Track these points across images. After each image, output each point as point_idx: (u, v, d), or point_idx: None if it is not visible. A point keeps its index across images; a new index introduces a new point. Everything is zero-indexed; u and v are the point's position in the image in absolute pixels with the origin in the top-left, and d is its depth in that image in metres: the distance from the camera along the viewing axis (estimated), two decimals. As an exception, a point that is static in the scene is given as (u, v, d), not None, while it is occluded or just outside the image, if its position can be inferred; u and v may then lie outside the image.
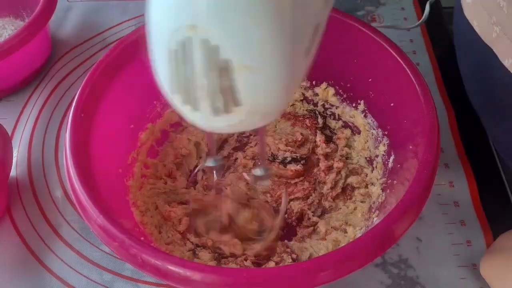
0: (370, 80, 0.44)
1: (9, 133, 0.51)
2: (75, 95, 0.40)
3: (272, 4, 0.24)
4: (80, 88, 0.40)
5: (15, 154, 0.49)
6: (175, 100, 0.27)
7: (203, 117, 0.27)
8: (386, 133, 0.43)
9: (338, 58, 0.45)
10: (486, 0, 0.38)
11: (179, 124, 0.48)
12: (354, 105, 0.47)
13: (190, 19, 0.24)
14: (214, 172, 0.40)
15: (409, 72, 0.39)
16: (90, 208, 0.33)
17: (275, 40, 0.25)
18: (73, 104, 0.39)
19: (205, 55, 0.24)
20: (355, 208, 0.43)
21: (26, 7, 0.59)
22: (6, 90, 0.55)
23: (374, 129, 0.45)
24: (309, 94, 0.50)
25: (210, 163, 0.38)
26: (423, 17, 0.49)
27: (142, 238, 0.34)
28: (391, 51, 0.41)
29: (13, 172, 0.48)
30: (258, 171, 0.38)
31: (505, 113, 0.42)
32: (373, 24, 0.57)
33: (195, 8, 0.24)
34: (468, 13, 0.40)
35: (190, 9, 0.24)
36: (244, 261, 0.40)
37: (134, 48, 0.42)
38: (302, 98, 0.50)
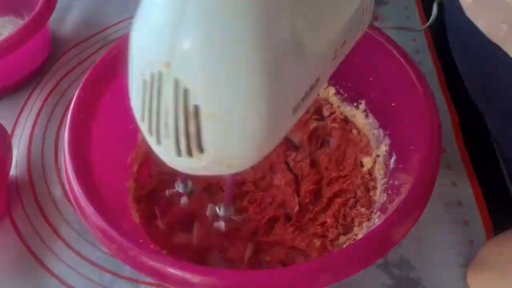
0: (371, 79, 0.44)
1: (9, 132, 0.51)
2: (74, 95, 0.39)
3: (257, 56, 0.22)
4: (78, 89, 0.39)
5: (15, 153, 0.49)
6: (142, 128, 0.26)
7: (166, 153, 0.26)
8: (387, 133, 0.43)
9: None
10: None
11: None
12: (355, 104, 0.46)
13: (165, 56, 0.22)
14: (185, 198, 0.39)
15: (410, 71, 0.39)
16: (89, 211, 0.33)
17: (252, 96, 0.23)
18: (71, 105, 0.39)
19: (174, 95, 0.23)
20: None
21: (26, 5, 0.58)
22: (6, 89, 0.55)
23: (375, 129, 0.45)
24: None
25: (180, 188, 0.38)
26: (432, 17, 0.49)
27: (141, 240, 0.34)
28: (393, 50, 0.40)
29: (12, 172, 0.48)
30: (221, 211, 0.37)
31: None
32: (378, 24, 0.57)
33: (173, 46, 0.22)
34: (470, 13, 0.40)
35: (168, 46, 0.22)
36: None
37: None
38: None
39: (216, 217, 0.38)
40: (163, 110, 0.24)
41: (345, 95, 0.47)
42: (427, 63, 0.55)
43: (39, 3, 0.52)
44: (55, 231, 0.44)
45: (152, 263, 0.30)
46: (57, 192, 0.47)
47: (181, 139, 0.24)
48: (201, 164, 0.25)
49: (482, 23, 0.39)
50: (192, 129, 0.24)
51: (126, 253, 0.31)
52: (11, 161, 0.46)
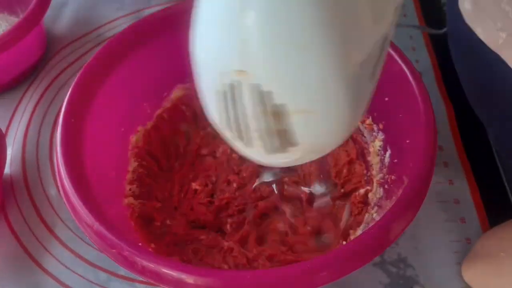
0: None
1: (3, 131, 0.51)
2: (65, 98, 0.39)
3: (335, 39, 0.21)
4: (69, 91, 0.39)
5: (9, 151, 0.49)
6: (228, 135, 0.26)
7: (257, 154, 0.26)
8: (381, 127, 0.43)
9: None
10: (488, 7, 0.38)
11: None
12: None
13: (237, 64, 0.22)
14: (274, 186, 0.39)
15: (403, 66, 0.39)
16: (85, 215, 0.32)
17: (337, 81, 0.23)
18: (63, 108, 0.38)
19: (255, 100, 0.23)
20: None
21: (20, 3, 0.58)
22: (0, 87, 0.54)
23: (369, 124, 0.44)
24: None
25: (268, 177, 0.38)
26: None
27: (140, 244, 0.34)
28: None
29: (7, 170, 0.47)
30: (317, 188, 0.37)
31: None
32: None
33: (243, 52, 0.22)
34: (469, 20, 0.40)
35: (238, 53, 0.22)
36: None
37: (121, 50, 0.42)
38: None
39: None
40: (247, 116, 0.24)
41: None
42: (424, 61, 0.55)
43: (34, 1, 0.52)
44: (50, 230, 0.44)
45: (151, 266, 0.30)
46: (52, 190, 0.47)
47: (271, 138, 0.24)
48: (296, 156, 0.26)
49: (480, 31, 0.39)
50: (282, 126, 0.24)
51: (125, 257, 0.30)
52: (5, 159, 0.46)
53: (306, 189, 0.40)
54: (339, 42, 0.22)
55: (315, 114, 0.24)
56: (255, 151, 0.26)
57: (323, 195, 0.37)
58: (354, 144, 0.45)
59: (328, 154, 0.38)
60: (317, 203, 0.38)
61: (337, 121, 0.25)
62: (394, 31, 0.27)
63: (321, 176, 0.37)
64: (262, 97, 0.23)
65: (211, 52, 0.23)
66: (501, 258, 0.38)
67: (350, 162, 0.44)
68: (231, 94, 0.23)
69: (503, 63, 0.37)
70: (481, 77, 0.43)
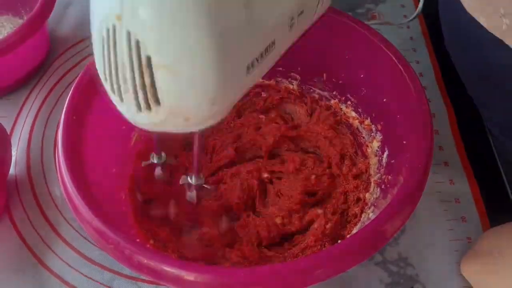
0: (362, 76, 0.44)
1: (8, 132, 0.51)
2: (67, 97, 0.40)
3: (203, 6, 0.23)
4: (72, 90, 0.39)
5: (14, 152, 0.49)
6: (106, 87, 0.27)
7: (128, 110, 0.27)
8: (379, 128, 0.43)
9: (329, 55, 0.45)
10: None
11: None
12: (346, 101, 0.46)
13: (117, 8, 0.23)
14: (158, 169, 0.40)
15: (400, 67, 0.39)
16: (84, 212, 0.33)
17: (201, 49, 0.24)
18: (65, 105, 0.39)
19: (127, 48, 0.24)
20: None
21: (25, 4, 0.58)
22: (5, 88, 0.55)
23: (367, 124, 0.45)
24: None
25: (154, 160, 0.39)
26: (416, 12, 0.49)
27: (137, 240, 0.34)
28: (382, 46, 0.41)
29: (12, 171, 0.48)
30: (192, 179, 0.37)
31: None
32: (372, 21, 0.57)
33: None
34: (471, 9, 0.40)
35: None
36: None
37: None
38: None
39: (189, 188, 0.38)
40: (120, 64, 0.25)
41: (334, 92, 0.47)
42: (425, 61, 0.55)
43: (38, 2, 0.52)
44: (55, 229, 0.45)
45: (149, 262, 0.30)
46: (57, 190, 0.47)
47: (139, 92, 0.25)
48: (160, 117, 0.26)
49: (483, 19, 0.39)
50: (147, 80, 0.24)
51: (122, 253, 0.31)
52: (10, 160, 0.46)
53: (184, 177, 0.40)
54: (209, 3, 0.23)
55: (177, 74, 0.24)
56: (126, 107, 0.27)
57: (195, 187, 0.38)
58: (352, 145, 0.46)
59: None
60: (188, 195, 0.39)
61: (201, 87, 0.25)
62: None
63: (194, 167, 0.38)
64: (132, 45, 0.24)
65: None
66: (500, 256, 0.38)
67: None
68: (108, 39, 0.25)
69: (504, 49, 0.37)
70: (480, 65, 0.44)
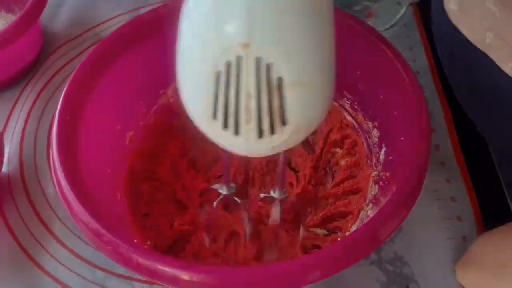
0: (358, 72, 0.43)
1: (1, 129, 0.51)
2: (61, 96, 0.39)
3: (321, 9, 0.24)
4: (65, 89, 0.39)
5: (6, 150, 0.49)
6: (214, 127, 0.26)
7: (245, 142, 0.26)
8: (376, 125, 0.43)
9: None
10: (474, 7, 0.38)
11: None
12: (342, 98, 0.46)
13: (244, 38, 0.23)
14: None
15: (397, 63, 0.39)
16: (80, 212, 0.32)
17: (325, 49, 0.25)
18: (59, 105, 0.38)
19: (256, 74, 0.24)
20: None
21: (17, 1, 0.58)
22: (-3, 85, 0.54)
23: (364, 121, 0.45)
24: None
25: (223, 191, 0.38)
26: (397, 17, 0.49)
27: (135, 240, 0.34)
28: (379, 43, 0.40)
29: (4, 169, 0.47)
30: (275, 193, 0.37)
31: (506, 118, 0.42)
32: (370, 20, 0.57)
33: (250, 25, 0.23)
34: (456, 20, 0.40)
35: (244, 27, 0.23)
36: None
37: (117, 48, 0.42)
38: None
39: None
40: (243, 96, 0.24)
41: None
42: (421, 60, 0.55)
43: (31, -1, 0.52)
44: (48, 228, 0.44)
45: (147, 263, 0.30)
46: (50, 189, 0.47)
47: (263, 118, 0.25)
48: (283, 138, 0.26)
49: (467, 31, 0.39)
50: (276, 103, 0.25)
51: (120, 253, 0.30)
52: (3, 158, 0.46)
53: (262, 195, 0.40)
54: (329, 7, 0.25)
55: (307, 86, 0.25)
56: (243, 139, 0.26)
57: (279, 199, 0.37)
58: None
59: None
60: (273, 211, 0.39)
61: (323, 92, 0.26)
62: None
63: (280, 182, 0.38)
64: (262, 71, 0.24)
65: (214, 27, 0.24)
66: (496, 262, 0.38)
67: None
68: (226, 73, 0.24)
69: (488, 60, 0.37)
70: (467, 75, 0.44)
